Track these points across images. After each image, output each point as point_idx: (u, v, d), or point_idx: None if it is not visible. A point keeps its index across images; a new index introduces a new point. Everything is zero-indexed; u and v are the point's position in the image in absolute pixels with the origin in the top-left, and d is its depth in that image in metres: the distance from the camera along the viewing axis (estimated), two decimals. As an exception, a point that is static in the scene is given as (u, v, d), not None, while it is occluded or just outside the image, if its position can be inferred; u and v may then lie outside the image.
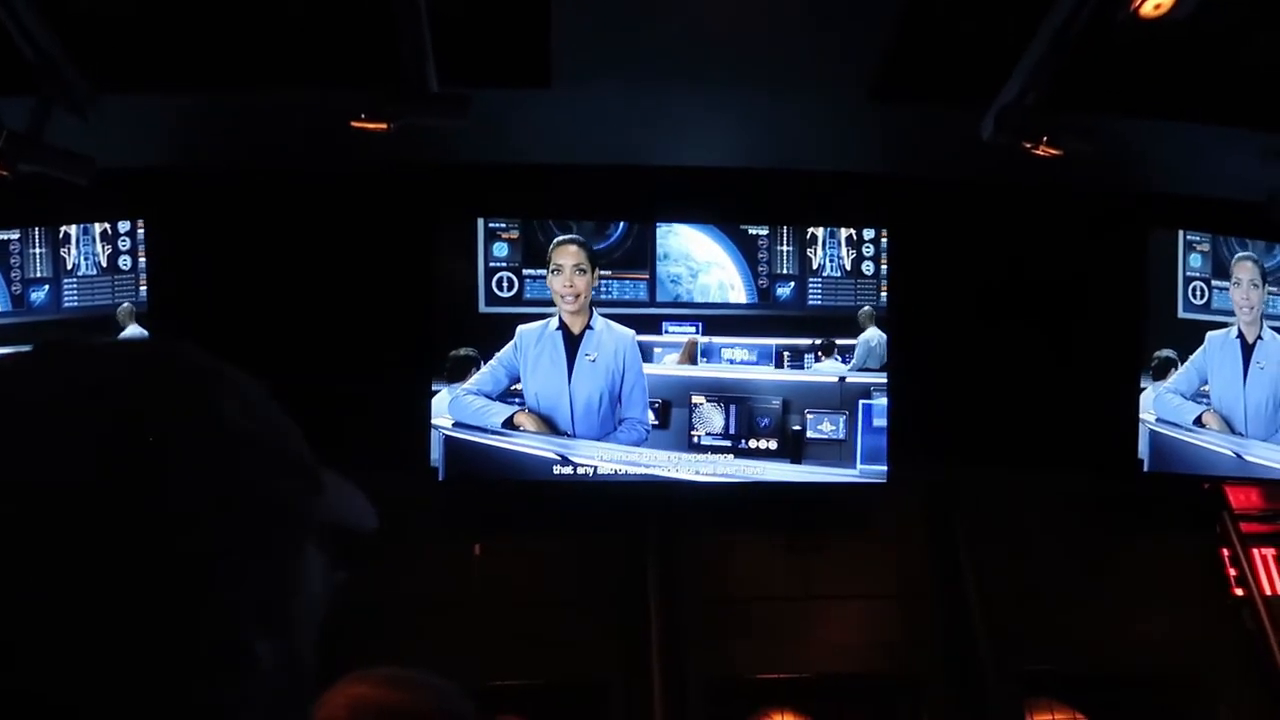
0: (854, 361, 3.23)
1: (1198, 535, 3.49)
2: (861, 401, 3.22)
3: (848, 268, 3.25)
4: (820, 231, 3.25)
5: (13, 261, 3.13)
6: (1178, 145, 3.16)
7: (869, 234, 3.25)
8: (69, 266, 3.13)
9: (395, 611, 2.93)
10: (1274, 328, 3.43)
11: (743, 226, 3.24)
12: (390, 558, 2.75)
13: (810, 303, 3.25)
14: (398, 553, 2.92)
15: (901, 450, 3.21)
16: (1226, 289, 3.42)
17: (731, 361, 3.22)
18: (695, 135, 3.22)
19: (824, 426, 3.22)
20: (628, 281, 3.20)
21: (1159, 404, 3.35)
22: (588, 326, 3.17)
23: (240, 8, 2.49)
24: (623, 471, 3.17)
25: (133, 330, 3.11)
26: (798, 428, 3.22)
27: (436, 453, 3.12)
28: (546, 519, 3.23)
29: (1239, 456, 3.39)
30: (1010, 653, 3.19)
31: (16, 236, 3.13)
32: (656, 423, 3.19)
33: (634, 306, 3.20)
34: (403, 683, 1.41)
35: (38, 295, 3.14)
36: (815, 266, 3.25)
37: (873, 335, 3.23)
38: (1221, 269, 3.43)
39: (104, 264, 3.13)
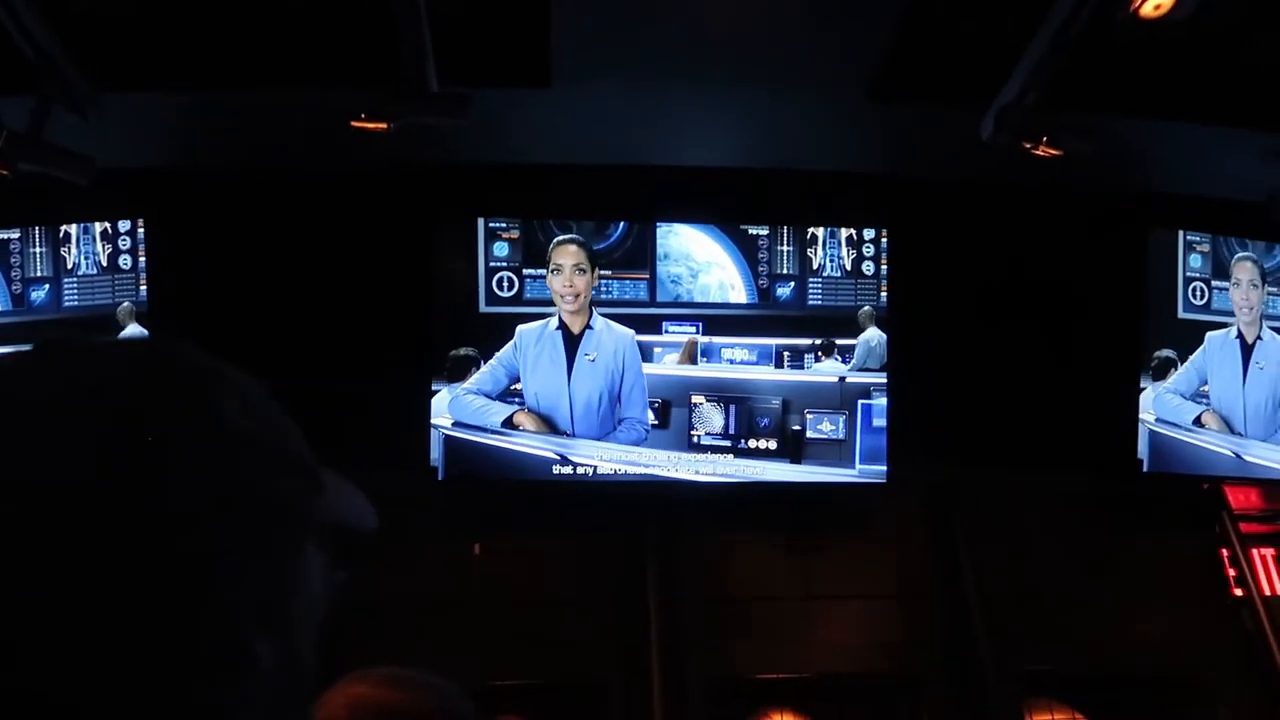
0: (854, 361, 3.23)
1: (1197, 535, 3.49)
2: (860, 401, 3.22)
3: (848, 268, 3.25)
4: (820, 231, 3.25)
5: (13, 261, 3.13)
6: (1178, 145, 3.16)
7: (869, 234, 3.25)
8: (69, 266, 3.13)
9: (395, 611, 2.93)
10: (1274, 328, 3.43)
11: (743, 226, 3.24)
12: (390, 558, 2.75)
13: (810, 303, 3.25)
14: (398, 553, 2.92)
15: (901, 450, 3.21)
16: (1226, 289, 3.42)
17: (731, 361, 3.22)
18: (695, 135, 3.22)
19: (824, 426, 3.22)
20: (628, 281, 3.20)
21: (1159, 404, 3.35)
22: (587, 326, 3.17)
23: (240, 8, 2.49)
24: (622, 471, 3.17)
25: (133, 330, 3.11)
26: (797, 428, 3.22)
27: (436, 452, 3.12)
28: (546, 519, 3.23)
29: (1238, 456, 3.39)
30: (1010, 653, 3.19)
31: (17, 236, 3.13)
32: (656, 422, 3.19)
33: (634, 306, 3.20)
34: (403, 683, 1.41)
35: (38, 294, 3.14)
36: (815, 266, 3.25)
37: (873, 335, 3.23)
38: (1221, 269, 3.43)
39: (104, 263, 3.13)
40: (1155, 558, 3.39)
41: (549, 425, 3.16)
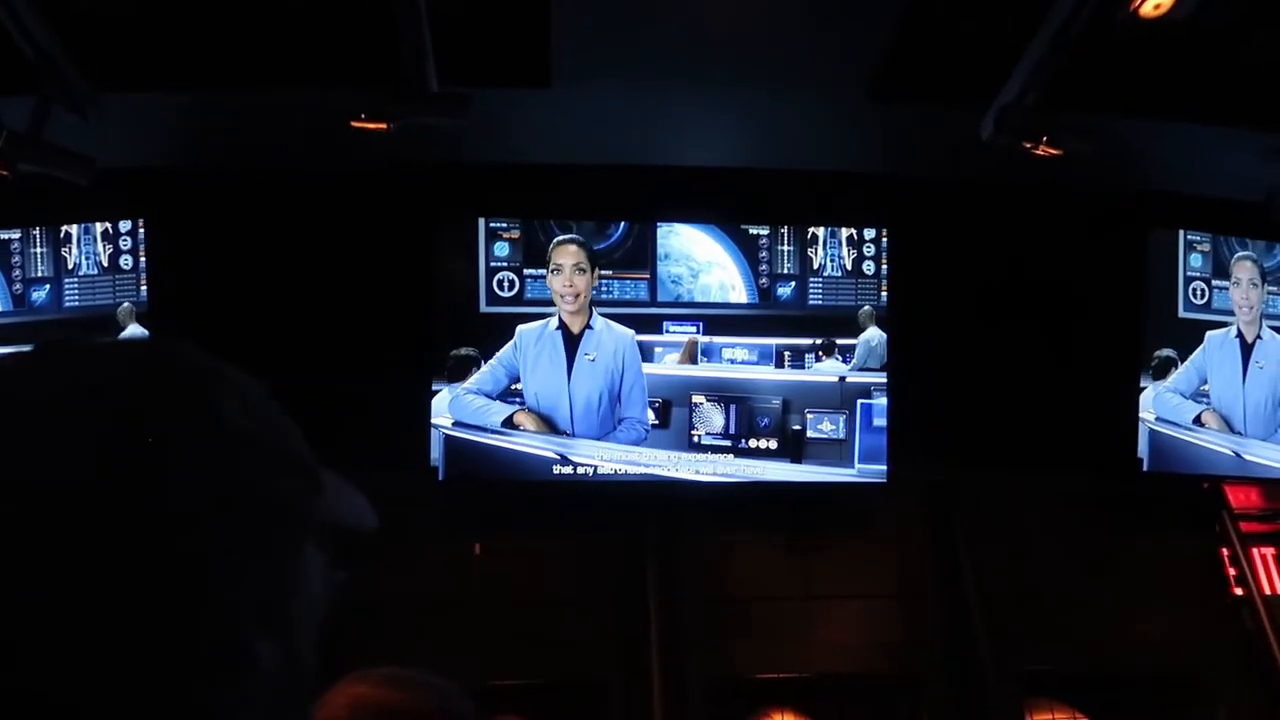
0: (854, 361, 3.23)
1: (1197, 535, 3.49)
2: (860, 401, 3.22)
3: (848, 267, 3.25)
4: (821, 231, 3.25)
5: (14, 261, 3.13)
6: (1178, 145, 3.16)
7: (869, 234, 3.25)
8: (70, 266, 3.13)
9: (395, 611, 2.93)
10: (1273, 327, 3.43)
11: (743, 226, 3.24)
12: (390, 558, 2.75)
13: (811, 302, 3.25)
14: (398, 553, 2.92)
15: (901, 450, 3.21)
16: (1227, 289, 3.42)
17: (732, 361, 3.22)
18: (695, 135, 3.22)
19: (824, 426, 3.22)
20: (628, 281, 3.20)
21: (1158, 403, 3.36)
22: (587, 326, 3.17)
23: (240, 8, 2.49)
24: (622, 471, 3.17)
25: (133, 330, 3.11)
26: (798, 427, 3.22)
27: (436, 452, 3.12)
28: (546, 519, 3.23)
29: (1238, 456, 3.40)
30: (1010, 653, 3.19)
31: (17, 236, 3.13)
32: (656, 422, 3.19)
33: (634, 306, 3.20)
34: (403, 683, 1.41)
35: (39, 295, 3.14)
36: (816, 266, 3.25)
37: (873, 335, 3.23)
38: (1222, 269, 3.43)
39: (105, 263, 3.13)
40: (1155, 557, 3.39)
41: (549, 425, 3.16)
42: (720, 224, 3.24)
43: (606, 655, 3.12)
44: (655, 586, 3.17)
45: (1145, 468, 3.35)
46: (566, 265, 3.16)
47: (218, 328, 2.91)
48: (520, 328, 3.16)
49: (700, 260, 3.23)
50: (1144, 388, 3.35)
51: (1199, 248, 3.41)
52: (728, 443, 3.20)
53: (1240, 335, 3.42)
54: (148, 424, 0.60)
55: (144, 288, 3.12)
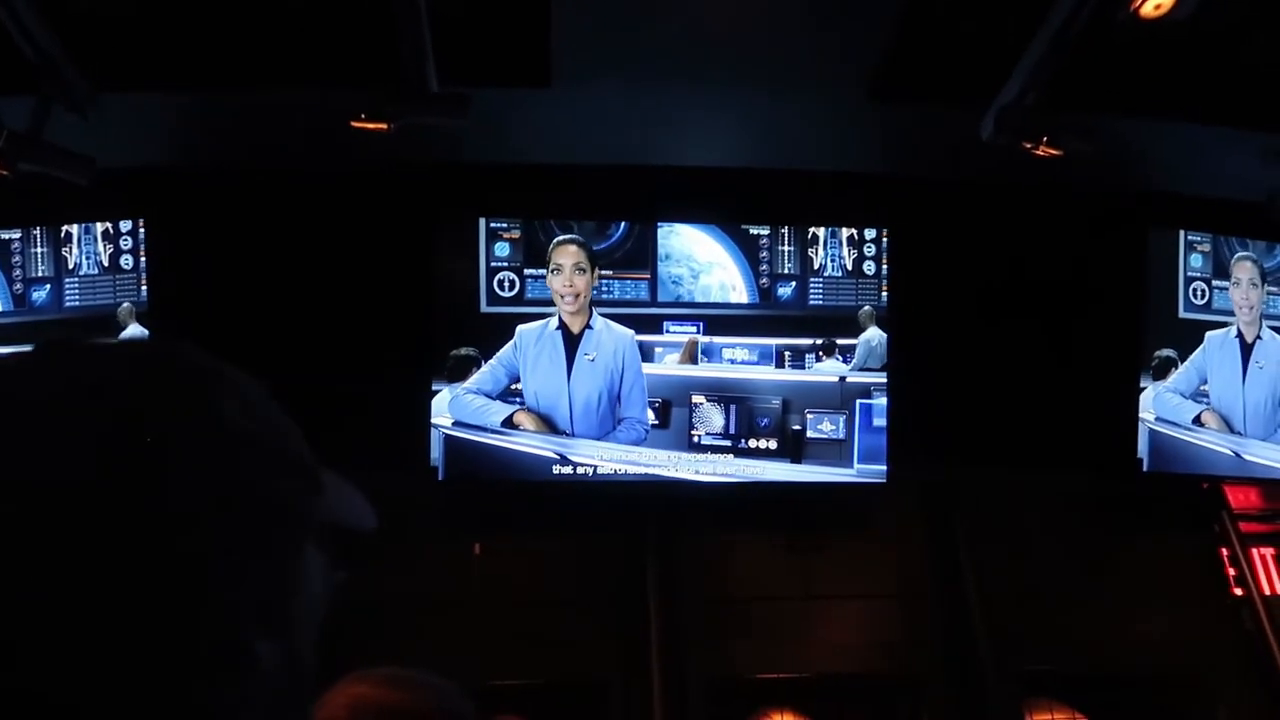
0: (854, 361, 3.23)
1: (1197, 535, 3.49)
2: (859, 401, 3.22)
3: (849, 268, 3.25)
4: (821, 231, 3.25)
5: (14, 261, 3.13)
6: (1178, 145, 3.16)
7: (870, 234, 3.25)
8: (70, 266, 3.13)
9: (395, 611, 2.93)
10: (1273, 328, 3.43)
11: (744, 226, 3.24)
12: (390, 558, 2.75)
13: (811, 302, 3.25)
14: (398, 553, 2.92)
15: (901, 450, 3.21)
16: (1227, 289, 3.42)
17: (732, 361, 3.22)
18: (695, 135, 3.22)
19: (824, 426, 3.22)
20: (629, 281, 3.20)
21: (1158, 403, 3.36)
22: (587, 326, 3.17)
23: (240, 8, 2.49)
24: (622, 471, 3.17)
25: (133, 330, 3.11)
26: (798, 427, 3.22)
27: (436, 452, 3.12)
28: (546, 519, 3.23)
29: (1238, 456, 3.40)
30: (1010, 653, 3.19)
31: (18, 236, 3.13)
32: (656, 422, 3.19)
33: (635, 306, 3.20)
34: (403, 683, 1.41)
35: (39, 294, 3.14)
36: (816, 266, 3.25)
37: (873, 335, 3.23)
38: (1222, 269, 3.43)
39: (106, 263, 3.13)
40: (1155, 558, 3.39)
41: (548, 425, 3.16)
42: (721, 224, 3.24)
43: (606, 655, 3.12)
44: (655, 586, 3.17)
45: (1145, 468, 3.35)
46: (566, 265, 3.16)
47: (218, 328, 2.92)
48: (520, 328, 3.16)
49: (701, 260, 3.23)
50: (1144, 388, 3.35)
51: (1199, 248, 3.41)
52: (728, 443, 3.20)
53: (1240, 335, 3.42)
54: (148, 424, 0.60)
55: (144, 288, 3.12)
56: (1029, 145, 2.50)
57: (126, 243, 3.12)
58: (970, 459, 3.35)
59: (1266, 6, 2.52)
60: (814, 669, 3.20)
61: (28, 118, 2.51)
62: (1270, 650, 3.23)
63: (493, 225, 3.17)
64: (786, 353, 3.23)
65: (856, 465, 3.21)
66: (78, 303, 3.14)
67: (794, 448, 3.22)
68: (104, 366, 0.65)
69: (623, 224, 3.20)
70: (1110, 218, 3.45)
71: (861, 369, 3.22)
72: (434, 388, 3.12)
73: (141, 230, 3.12)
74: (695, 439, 3.20)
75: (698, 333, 3.21)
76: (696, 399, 3.20)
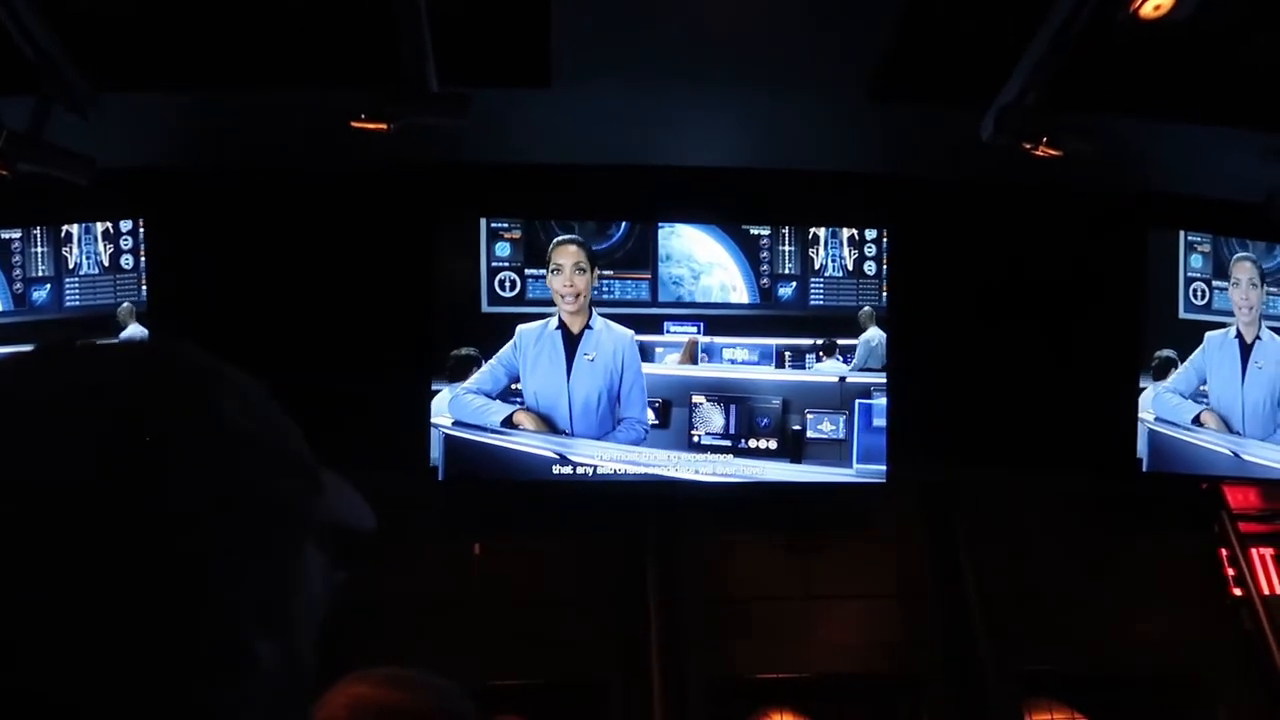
0: (855, 361, 3.23)
1: (1196, 535, 3.49)
2: (858, 401, 3.22)
3: (850, 268, 3.25)
4: (822, 232, 3.25)
5: (14, 260, 3.13)
6: (1178, 145, 3.16)
7: (871, 234, 3.25)
8: (71, 265, 3.13)
9: (395, 611, 2.93)
10: (1272, 328, 3.44)
11: (745, 227, 3.24)
12: (390, 558, 2.75)
13: (812, 303, 3.25)
14: (398, 553, 2.93)
15: (901, 450, 3.21)
16: (1226, 289, 3.43)
17: (733, 361, 3.22)
18: (695, 135, 3.22)
19: (824, 426, 3.22)
20: (629, 281, 3.20)
21: (1158, 403, 3.36)
22: (587, 326, 3.17)
23: (240, 8, 2.49)
24: (622, 471, 3.18)
25: (134, 330, 3.11)
26: (798, 427, 3.22)
27: (436, 451, 3.12)
28: (546, 519, 3.23)
29: (1237, 456, 3.40)
30: (1010, 653, 3.19)
31: (18, 235, 3.13)
32: (657, 422, 3.19)
33: (636, 306, 3.20)
34: (403, 683, 1.41)
35: (39, 294, 3.14)
36: (817, 267, 3.25)
37: (874, 335, 3.23)
38: (1222, 270, 3.43)
39: (106, 263, 3.13)
40: (1155, 558, 3.39)
41: (548, 424, 3.16)
42: (721, 224, 3.24)
43: (606, 655, 3.12)
44: (655, 586, 3.17)
45: (1145, 468, 3.35)
46: (567, 265, 3.16)
47: (218, 328, 2.92)
48: (520, 327, 3.16)
49: (702, 261, 3.24)
50: (1144, 388, 3.35)
51: (1199, 248, 3.41)
52: (728, 443, 3.20)
53: (1239, 336, 3.42)
54: (148, 424, 0.60)
55: (144, 287, 3.12)
56: (1029, 145, 2.50)
57: (127, 242, 3.12)
58: (970, 459, 3.35)
59: (1266, 7, 2.52)
60: (814, 669, 3.20)
61: (28, 118, 2.51)
62: (1269, 650, 3.23)
63: (494, 225, 3.17)
64: (787, 353, 3.23)
65: (855, 465, 3.21)
66: (78, 302, 3.14)
67: (794, 448, 3.22)
68: (104, 367, 0.65)
69: (623, 224, 3.20)
70: (1110, 218, 3.45)
71: (862, 369, 3.22)
72: (434, 387, 3.12)
73: (141, 230, 3.12)
74: (695, 439, 3.20)
75: (698, 333, 3.21)
76: (697, 399, 3.20)
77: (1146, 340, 3.37)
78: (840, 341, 3.23)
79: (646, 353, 3.19)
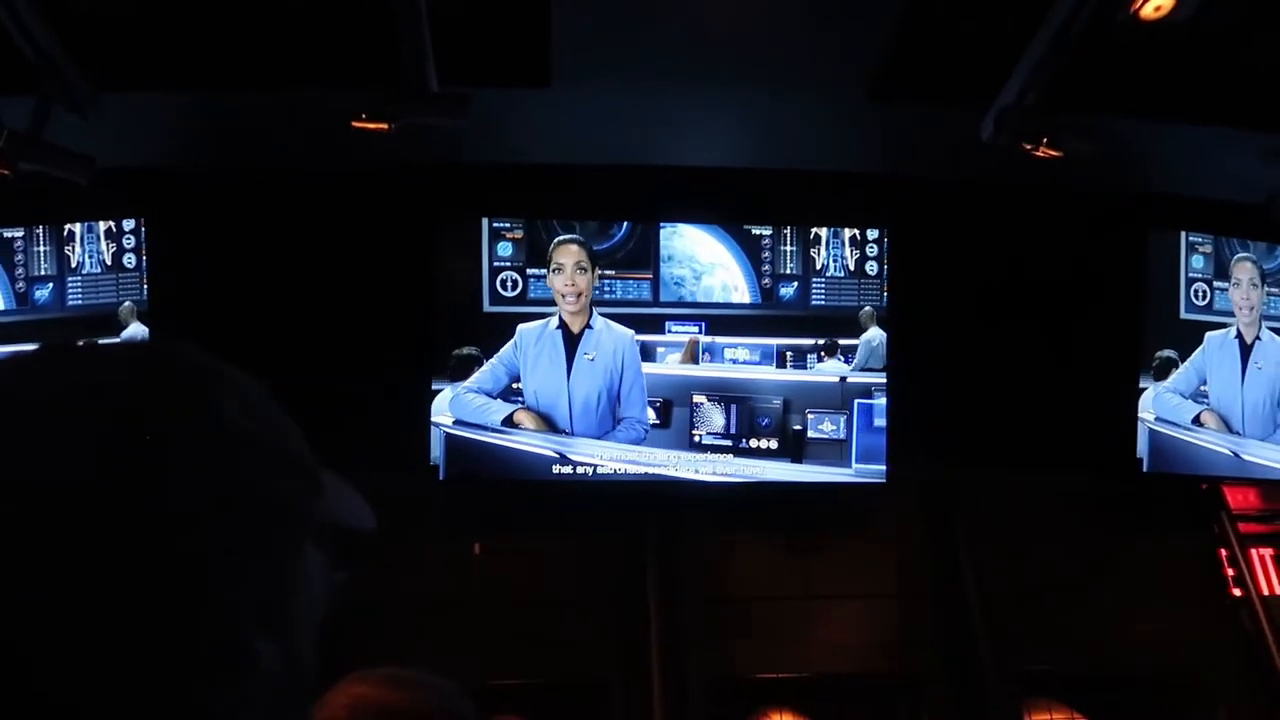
0: (856, 361, 3.23)
1: (1196, 535, 3.49)
2: (858, 401, 3.22)
3: (851, 268, 3.25)
4: (824, 232, 3.25)
5: (17, 259, 3.13)
6: (1178, 145, 3.16)
7: (872, 234, 3.26)
8: (73, 264, 3.14)
9: (395, 611, 2.93)
10: (1272, 328, 3.44)
11: (746, 227, 3.24)
12: (390, 558, 2.75)
13: (814, 303, 3.25)
14: (398, 553, 2.93)
15: (901, 450, 3.21)
16: (1227, 290, 3.43)
17: (734, 361, 3.22)
18: (695, 135, 3.22)
19: (825, 426, 3.22)
20: (631, 281, 3.21)
21: (1158, 403, 3.36)
22: (587, 326, 3.18)
23: (240, 8, 2.49)
24: (622, 471, 3.18)
25: (135, 329, 3.11)
26: (798, 427, 3.22)
27: (437, 451, 3.12)
28: (546, 518, 3.23)
29: (1237, 456, 3.40)
30: (1010, 653, 3.19)
31: (21, 234, 3.13)
32: (657, 422, 3.19)
33: (637, 306, 3.20)
34: (403, 683, 1.41)
35: (42, 293, 3.14)
36: (819, 267, 3.25)
37: (874, 335, 3.23)
38: (1223, 270, 3.43)
39: (108, 262, 3.13)
40: (1155, 558, 3.39)
41: (548, 424, 3.16)
42: (723, 224, 3.24)
43: (606, 655, 3.12)
44: (655, 586, 3.17)
45: (1145, 468, 3.35)
46: (568, 264, 3.16)
47: (218, 328, 2.92)
48: (521, 327, 3.16)
49: (704, 262, 3.24)
50: (1144, 388, 3.35)
51: (1201, 249, 3.41)
52: (728, 442, 3.21)
53: (1239, 336, 3.42)
54: (148, 424, 0.60)
55: (145, 287, 3.12)
56: (1029, 146, 2.50)
57: (129, 241, 3.12)
58: (970, 459, 3.35)
59: (1266, 8, 2.52)
60: (814, 669, 3.21)
61: (28, 118, 2.51)
62: (1269, 650, 3.23)
63: (495, 225, 3.17)
64: (788, 353, 3.23)
65: (854, 465, 3.21)
66: (80, 301, 3.14)
67: (795, 448, 3.22)
68: (104, 367, 0.65)
69: (625, 224, 3.20)
70: (1110, 218, 3.45)
71: (863, 369, 3.22)
72: (436, 387, 3.12)
73: (142, 230, 3.12)
74: (696, 438, 3.20)
75: (699, 332, 3.21)
76: (698, 398, 3.21)
77: (1147, 340, 3.37)
78: (841, 341, 3.23)
79: (648, 352, 3.19)
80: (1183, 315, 3.40)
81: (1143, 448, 3.35)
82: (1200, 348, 3.39)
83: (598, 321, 3.18)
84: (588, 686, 3.11)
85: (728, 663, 3.15)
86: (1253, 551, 3.46)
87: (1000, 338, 3.46)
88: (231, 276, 3.25)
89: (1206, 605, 3.37)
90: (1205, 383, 3.39)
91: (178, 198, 3.20)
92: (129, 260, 3.12)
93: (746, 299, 3.24)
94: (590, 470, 3.17)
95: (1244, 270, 3.42)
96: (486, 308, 3.17)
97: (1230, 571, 3.42)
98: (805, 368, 3.23)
